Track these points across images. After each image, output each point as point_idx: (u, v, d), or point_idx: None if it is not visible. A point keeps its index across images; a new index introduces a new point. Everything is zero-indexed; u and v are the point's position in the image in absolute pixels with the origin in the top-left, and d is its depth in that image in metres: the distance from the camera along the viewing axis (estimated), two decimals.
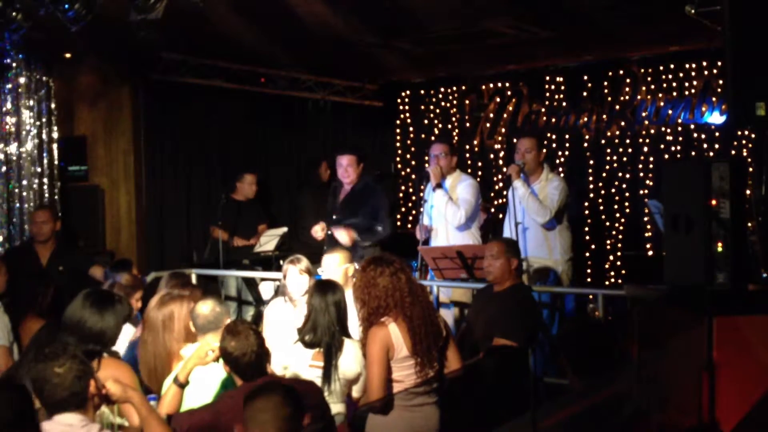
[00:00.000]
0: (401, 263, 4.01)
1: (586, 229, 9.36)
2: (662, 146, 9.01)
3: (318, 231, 6.87)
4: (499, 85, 10.04)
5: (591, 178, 9.43)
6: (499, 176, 9.86)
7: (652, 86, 9.06)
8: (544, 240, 6.45)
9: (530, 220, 6.41)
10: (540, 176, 6.50)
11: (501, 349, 4.69)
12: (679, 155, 8.87)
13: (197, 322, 4.06)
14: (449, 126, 10.42)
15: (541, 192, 6.42)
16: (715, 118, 8.65)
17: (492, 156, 10.12)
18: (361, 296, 3.93)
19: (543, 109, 9.72)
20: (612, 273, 9.27)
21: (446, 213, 6.53)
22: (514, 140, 7.65)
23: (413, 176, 10.22)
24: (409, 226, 10.27)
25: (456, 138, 10.14)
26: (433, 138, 9.76)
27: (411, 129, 10.74)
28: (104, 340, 3.76)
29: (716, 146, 8.67)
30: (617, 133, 9.31)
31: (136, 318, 4.98)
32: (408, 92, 10.73)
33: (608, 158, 9.34)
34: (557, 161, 9.46)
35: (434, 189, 6.61)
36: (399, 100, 10.77)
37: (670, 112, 8.92)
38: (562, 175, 7.90)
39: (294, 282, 5.11)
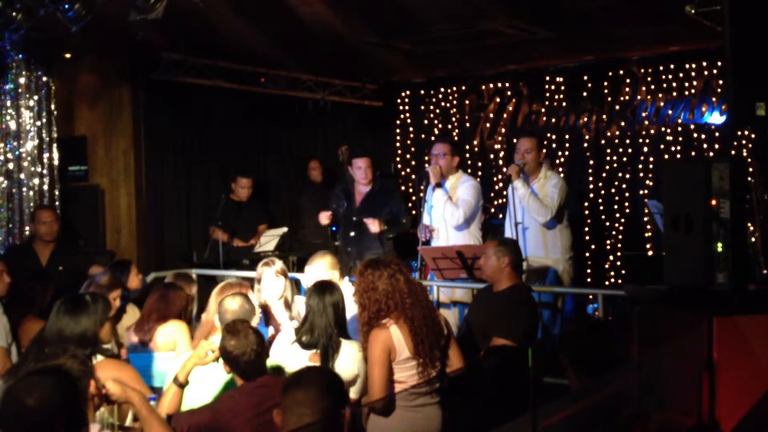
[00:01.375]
0: (399, 264, 3.99)
1: (586, 229, 9.36)
2: (662, 146, 9.00)
3: (323, 218, 7.15)
4: (499, 85, 10.04)
5: (591, 178, 9.43)
6: (499, 176, 9.86)
7: (652, 86, 9.06)
8: (542, 240, 6.45)
9: (530, 220, 6.40)
10: (539, 175, 6.49)
11: (501, 349, 4.69)
12: (679, 155, 8.86)
13: (226, 317, 4.11)
14: (449, 126, 10.42)
15: (540, 190, 6.41)
16: (715, 118, 8.65)
17: (492, 156, 10.12)
18: (360, 300, 3.91)
19: (543, 109, 9.72)
20: (612, 273, 9.27)
21: (445, 213, 6.53)
22: (514, 140, 7.65)
23: (413, 176, 10.21)
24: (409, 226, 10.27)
25: (456, 138, 10.13)
26: (433, 138, 9.76)
27: (411, 129, 10.74)
28: (86, 342, 3.78)
29: (716, 146, 8.67)
30: (617, 133, 9.30)
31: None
32: (408, 92, 10.72)
33: (608, 158, 9.34)
34: (557, 161, 9.46)
35: (433, 188, 6.61)
36: (399, 100, 10.76)
37: (670, 112, 8.92)
38: (561, 174, 7.90)
39: (270, 285, 5.03)
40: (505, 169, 7.41)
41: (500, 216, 8.42)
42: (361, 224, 6.97)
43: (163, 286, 5.15)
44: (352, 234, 7.06)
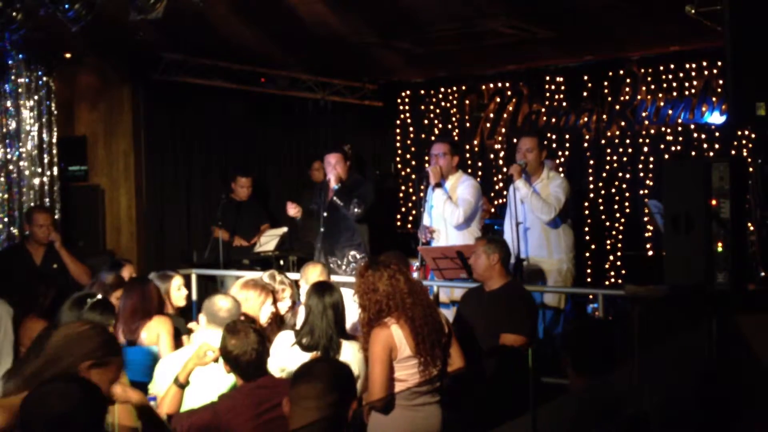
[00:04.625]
0: (398, 265, 4.00)
1: (586, 229, 9.36)
2: (662, 146, 9.00)
3: (290, 210, 7.11)
4: (499, 85, 10.04)
5: (591, 178, 9.42)
6: (499, 176, 9.86)
7: (652, 86, 9.06)
8: (545, 240, 6.42)
9: (532, 219, 6.38)
10: (541, 175, 6.47)
11: (501, 349, 4.69)
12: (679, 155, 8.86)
13: (220, 315, 4.12)
14: (449, 126, 10.41)
15: (542, 191, 6.39)
16: (715, 118, 8.65)
17: (492, 156, 10.12)
18: (361, 302, 3.92)
19: (543, 109, 9.71)
20: (612, 273, 9.26)
21: (444, 212, 6.53)
22: (514, 140, 7.64)
23: (413, 176, 10.21)
24: (409, 226, 10.27)
25: (456, 138, 10.13)
26: (433, 138, 9.76)
27: (411, 129, 10.73)
28: None
29: (716, 146, 8.67)
30: (617, 133, 9.30)
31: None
32: (408, 92, 10.72)
33: (608, 158, 9.34)
34: (557, 161, 9.45)
35: (433, 188, 6.61)
36: (399, 100, 10.76)
37: (670, 112, 8.91)
38: (562, 174, 7.89)
39: (286, 305, 5.01)
40: (505, 169, 7.40)
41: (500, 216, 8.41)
42: (330, 220, 6.98)
43: (140, 283, 5.18)
44: (322, 230, 7.07)
